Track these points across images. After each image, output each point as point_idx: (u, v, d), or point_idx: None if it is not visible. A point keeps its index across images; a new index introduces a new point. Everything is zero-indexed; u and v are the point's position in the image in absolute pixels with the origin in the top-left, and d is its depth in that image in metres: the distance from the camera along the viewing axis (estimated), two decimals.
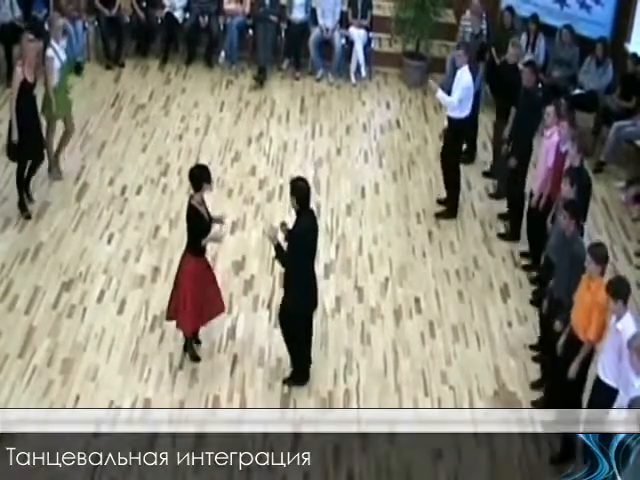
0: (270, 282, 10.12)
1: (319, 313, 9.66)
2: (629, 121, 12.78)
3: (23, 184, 10.75)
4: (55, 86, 11.09)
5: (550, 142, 10.11)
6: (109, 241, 10.58)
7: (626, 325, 7.36)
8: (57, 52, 11.16)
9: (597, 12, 14.14)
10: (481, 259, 10.91)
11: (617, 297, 7.40)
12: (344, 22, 15.15)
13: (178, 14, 14.93)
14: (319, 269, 10.38)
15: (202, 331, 9.15)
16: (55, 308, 9.49)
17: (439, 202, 11.82)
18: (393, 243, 11.05)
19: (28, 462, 7.69)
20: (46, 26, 11.62)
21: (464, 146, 12.12)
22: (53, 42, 11.19)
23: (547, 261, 9.33)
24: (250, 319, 9.55)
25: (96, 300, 9.66)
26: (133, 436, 8.06)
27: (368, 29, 15.12)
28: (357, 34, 14.95)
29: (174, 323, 9.33)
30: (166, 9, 14.91)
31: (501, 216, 11.60)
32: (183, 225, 10.78)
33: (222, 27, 15.02)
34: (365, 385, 8.90)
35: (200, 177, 8.50)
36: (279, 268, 10.28)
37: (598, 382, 7.67)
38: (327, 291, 10.01)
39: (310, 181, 11.95)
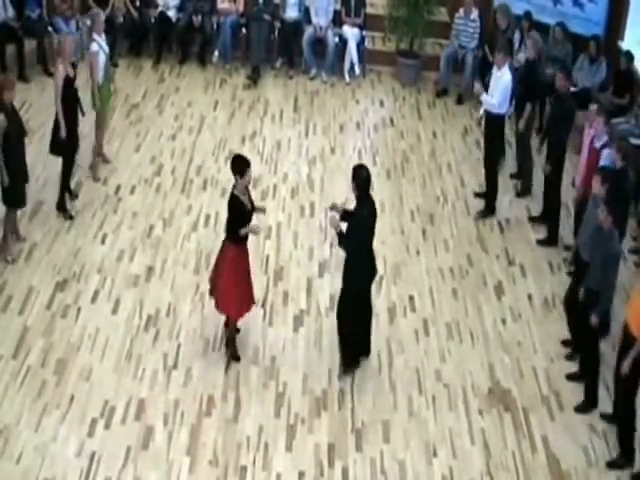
0: (264, 281, 10.12)
1: (313, 311, 9.69)
2: (622, 118, 12.77)
3: (68, 181, 10.95)
4: (101, 80, 11.31)
5: (588, 139, 10.24)
6: (103, 241, 10.57)
7: None
8: (101, 46, 11.34)
9: (590, 10, 14.16)
10: (475, 257, 10.92)
11: None
12: (337, 20, 15.16)
13: (171, 13, 14.93)
14: (314, 268, 10.41)
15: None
16: (49, 308, 9.48)
17: (476, 195, 11.95)
18: (387, 241, 11.05)
19: (24, 462, 7.74)
20: (87, 21, 12.06)
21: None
22: (96, 36, 11.35)
23: (577, 257, 9.22)
24: (244, 318, 9.53)
25: (90, 300, 9.64)
26: (128, 435, 8.08)
27: (361, 27, 15.13)
28: (350, 32, 14.96)
29: (169, 322, 9.37)
30: (159, 8, 14.90)
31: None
32: (177, 224, 10.92)
33: (215, 26, 15.02)
34: (359, 383, 8.90)
35: (234, 167, 8.53)
36: (273, 267, 10.34)
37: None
38: (322, 290, 10.01)
39: (304, 180, 12.10)
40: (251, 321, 9.51)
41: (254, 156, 12.57)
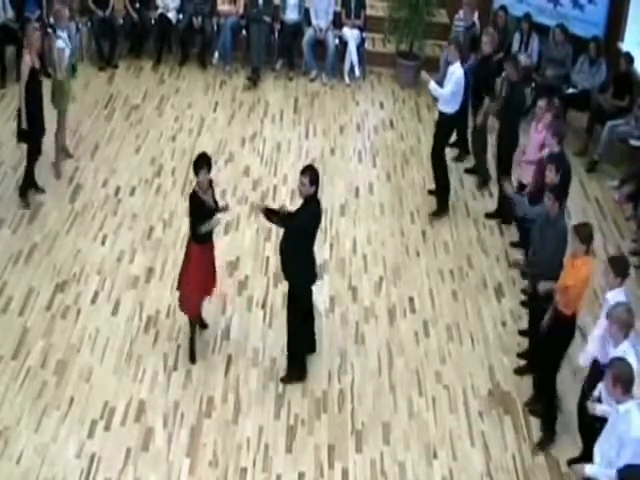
0: (264, 283, 10.12)
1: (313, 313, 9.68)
2: (622, 120, 12.79)
3: (32, 169, 10.96)
4: (64, 76, 11.32)
5: (539, 136, 10.29)
6: (103, 242, 10.56)
7: (616, 299, 7.63)
8: (66, 42, 11.37)
9: (590, 11, 14.16)
10: (475, 258, 10.92)
11: (618, 273, 7.72)
12: (337, 22, 15.17)
13: (171, 15, 14.93)
14: None
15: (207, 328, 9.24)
16: (49, 309, 9.48)
17: (430, 192, 11.98)
18: (387, 243, 11.06)
19: (24, 463, 7.74)
20: (51, 18, 12.13)
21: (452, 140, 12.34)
22: (60, 32, 11.37)
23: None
24: (244, 319, 9.55)
25: (90, 301, 9.64)
26: (128, 436, 8.08)
27: (361, 29, 15.13)
28: (350, 34, 14.96)
29: (169, 323, 9.37)
30: (159, 10, 14.91)
31: (488, 215, 11.72)
32: (177, 225, 10.92)
33: (216, 28, 15.02)
34: (359, 385, 8.91)
35: (195, 164, 8.54)
36: (273, 269, 10.34)
37: (593, 361, 7.90)
38: (321, 291, 10.00)
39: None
40: (251, 323, 9.53)
41: (254, 157, 12.59)
